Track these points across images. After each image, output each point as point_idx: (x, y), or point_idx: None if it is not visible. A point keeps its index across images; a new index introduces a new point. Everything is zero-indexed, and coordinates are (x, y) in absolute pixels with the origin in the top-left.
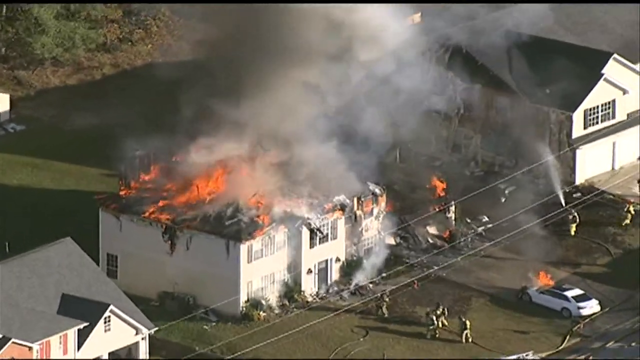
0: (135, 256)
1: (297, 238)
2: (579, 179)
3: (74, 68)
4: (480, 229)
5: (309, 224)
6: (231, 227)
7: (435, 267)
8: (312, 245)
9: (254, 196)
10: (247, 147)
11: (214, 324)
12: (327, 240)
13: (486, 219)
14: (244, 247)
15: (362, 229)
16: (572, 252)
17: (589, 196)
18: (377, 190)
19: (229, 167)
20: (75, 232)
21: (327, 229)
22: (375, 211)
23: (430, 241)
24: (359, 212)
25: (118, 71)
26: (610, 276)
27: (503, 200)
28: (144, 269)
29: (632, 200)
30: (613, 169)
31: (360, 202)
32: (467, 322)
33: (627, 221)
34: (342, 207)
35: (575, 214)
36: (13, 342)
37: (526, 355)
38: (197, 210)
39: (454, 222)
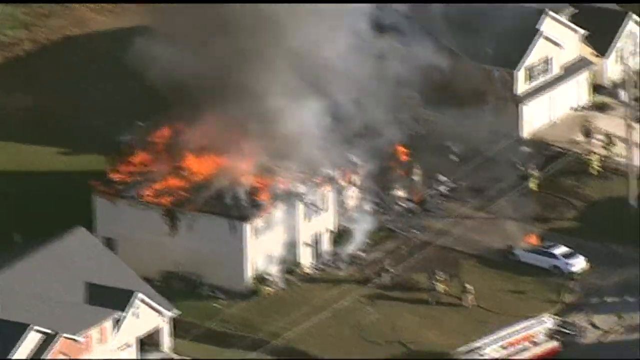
0: (134, 239)
1: (293, 213)
2: (525, 133)
3: None
4: (444, 190)
5: (306, 199)
6: (234, 207)
7: (417, 232)
8: (307, 219)
9: (250, 175)
10: (232, 126)
11: (224, 301)
12: (320, 214)
13: (445, 179)
14: (248, 226)
15: (345, 199)
16: (540, 208)
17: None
18: (356, 160)
19: (218, 146)
20: (59, 215)
21: (320, 202)
22: (355, 181)
23: (403, 205)
24: (343, 183)
25: (38, 47)
26: (581, 230)
27: (456, 159)
28: (145, 251)
29: (594, 151)
30: (552, 120)
31: (344, 173)
32: (469, 286)
33: (596, 170)
34: (331, 180)
35: (535, 169)
36: (64, 337)
37: (543, 317)
38: (196, 191)
39: (420, 185)
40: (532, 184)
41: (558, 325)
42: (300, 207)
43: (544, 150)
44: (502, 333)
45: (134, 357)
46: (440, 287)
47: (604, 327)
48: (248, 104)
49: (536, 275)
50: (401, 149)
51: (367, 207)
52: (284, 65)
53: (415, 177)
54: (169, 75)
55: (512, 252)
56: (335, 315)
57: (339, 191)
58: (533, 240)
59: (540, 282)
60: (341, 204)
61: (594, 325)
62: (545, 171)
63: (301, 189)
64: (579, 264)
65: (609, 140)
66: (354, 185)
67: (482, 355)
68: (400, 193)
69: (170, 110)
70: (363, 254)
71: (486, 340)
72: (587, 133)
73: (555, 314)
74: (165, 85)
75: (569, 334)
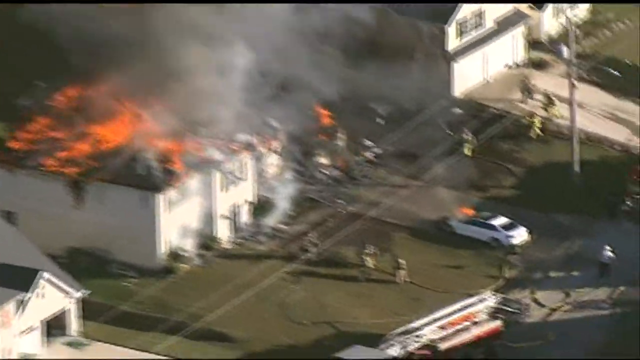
0: (37, 213)
1: (210, 183)
2: (457, 93)
3: None
4: (370, 155)
5: (223, 167)
6: (145, 177)
7: (343, 202)
8: (224, 190)
9: (162, 141)
10: (141, 86)
11: (135, 280)
12: (237, 183)
13: (371, 144)
14: (160, 198)
15: (265, 167)
16: (476, 175)
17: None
18: (276, 125)
19: (127, 110)
20: None
21: (238, 171)
22: (276, 147)
23: (326, 173)
24: (263, 150)
25: None
26: (522, 198)
27: (380, 121)
28: (49, 225)
29: (535, 113)
30: (486, 79)
31: (262, 138)
32: (402, 261)
33: (537, 133)
34: (250, 146)
35: (470, 133)
36: None
37: (484, 294)
38: (103, 161)
39: (344, 151)
40: (466, 149)
41: (500, 303)
42: (217, 177)
43: (478, 112)
44: (440, 312)
45: (39, 341)
46: (371, 262)
47: (549, 305)
48: (158, 61)
49: (474, 249)
50: (323, 111)
51: (289, 175)
52: (194, 19)
53: (340, 142)
54: (72, 32)
55: (448, 224)
56: (257, 295)
57: (259, 159)
58: (469, 210)
59: (478, 256)
60: (261, 173)
61: (538, 303)
62: (480, 135)
63: (218, 156)
64: (520, 235)
65: (549, 100)
66: (275, 152)
67: (419, 337)
68: (324, 160)
69: (74, 70)
70: (286, 227)
71: (423, 320)
72: (526, 92)
73: (497, 291)
74: (68, 43)
75: (511, 312)
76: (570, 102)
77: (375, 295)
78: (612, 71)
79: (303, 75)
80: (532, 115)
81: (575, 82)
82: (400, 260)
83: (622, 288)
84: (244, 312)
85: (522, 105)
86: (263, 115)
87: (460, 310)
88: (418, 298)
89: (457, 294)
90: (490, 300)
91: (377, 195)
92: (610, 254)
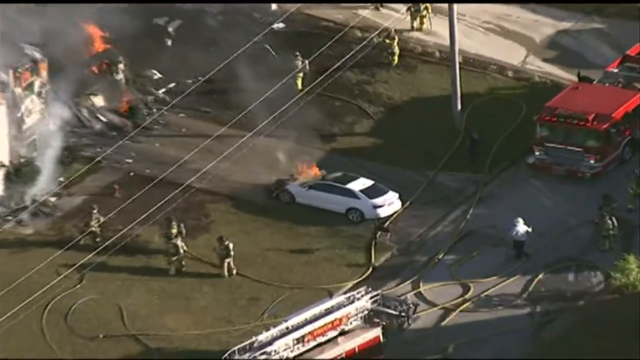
0: None
1: None
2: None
3: None
4: (161, 93)
5: None
6: None
7: (130, 160)
8: None
9: None
10: None
11: None
12: None
13: (158, 75)
14: None
15: (22, 114)
16: (316, 117)
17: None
18: (37, 55)
19: None
20: None
21: None
22: (36, 86)
23: (103, 119)
24: (17, 90)
25: None
26: (384, 150)
27: (170, 43)
28: None
29: (392, 35)
30: None
31: (17, 75)
32: (230, 245)
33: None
34: (2, 85)
35: (301, 57)
36: None
37: (353, 291)
38: None
39: (126, 87)
40: (299, 81)
41: (376, 303)
42: None
43: (311, 29)
44: (295, 318)
45: None
46: (182, 248)
47: (441, 302)
48: None
49: (326, 224)
50: (95, 30)
51: (55, 124)
52: None
53: (119, 76)
54: None
55: (285, 190)
56: (22, 299)
57: (14, 103)
58: (314, 169)
59: (333, 235)
60: (18, 123)
61: (426, 301)
62: (316, 59)
63: None
64: (389, 203)
65: (413, 10)
66: (40, 94)
67: (268, 355)
68: (99, 101)
69: None
70: (57, 200)
71: (272, 331)
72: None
73: (367, 286)
74: None
75: (393, 315)
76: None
77: (194, 295)
78: None
79: None
80: (388, 33)
81: None
82: (226, 244)
83: (540, 276)
84: (6, 323)
85: (373, 18)
86: (18, 43)
87: (323, 315)
88: (257, 298)
89: (312, 291)
90: (362, 299)
91: (181, 150)
92: (524, 227)
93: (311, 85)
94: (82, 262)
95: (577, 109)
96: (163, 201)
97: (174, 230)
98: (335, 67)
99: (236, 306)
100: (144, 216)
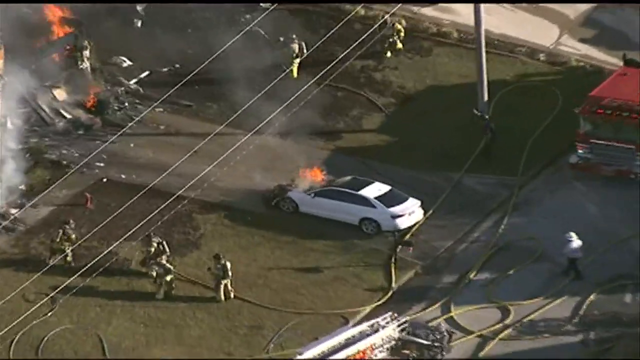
0: None
1: None
2: None
3: None
4: (132, 83)
5: None
6: None
7: (101, 164)
8: None
9: None
10: None
11: None
12: None
13: (127, 62)
14: None
15: None
16: (320, 111)
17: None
18: None
19: None
20: None
21: None
22: None
23: (68, 116)
24: None
25: None
26: (392, 148)
27: (139, 24)
28: None
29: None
30: None
31: None
32: (228, 264)
33: (399, 45)
34: None
35: (297, 40)
36: None
37: (383, 320)
38: None
39: (93, 76)
40: (294, 68)
41: (405, 332)
42: None
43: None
44: (311, 350)
45: None
46: (167, 267)
47: (474, 329)
48: None
49: (337, 237)
50: (57, 11)
51: (13, 122)
52: None
53: (84, 64)
54: None
55: (286, 197)
56: None
57: None
58: (318, 173)
59: (340, 249)
60: None
61: (458, 327)
62: (313, 41)
63: None
64: (410, 212)
65: None
66: None
67: None
68: (62, 94)
69: None
70: (17, 210)
71: None
72: None
73: (390, 311)
74: None
75: (425, 345)
76: None
77: (186, 322)
78: None
79: None
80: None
81: None
82: (223, 262)
83: (592, 296)
84: None
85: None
86: None
87: (343, 346)
88: (259, 325)
89: (324, 317)
90: (388, 327)
91: (160, 151)
92: (579, 242)
93: (317, 76)
94: (54, 285)
95: (627, 98)
96: (148, 217)
97: (155, 247)
98: (340, 57)
99: (236, 335)
100: (125, 232)
